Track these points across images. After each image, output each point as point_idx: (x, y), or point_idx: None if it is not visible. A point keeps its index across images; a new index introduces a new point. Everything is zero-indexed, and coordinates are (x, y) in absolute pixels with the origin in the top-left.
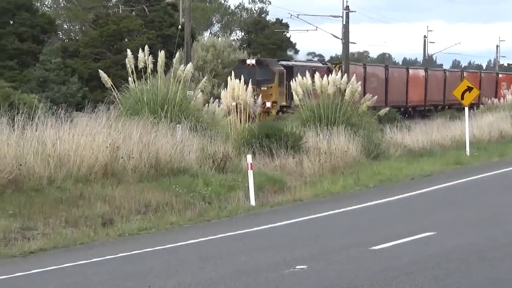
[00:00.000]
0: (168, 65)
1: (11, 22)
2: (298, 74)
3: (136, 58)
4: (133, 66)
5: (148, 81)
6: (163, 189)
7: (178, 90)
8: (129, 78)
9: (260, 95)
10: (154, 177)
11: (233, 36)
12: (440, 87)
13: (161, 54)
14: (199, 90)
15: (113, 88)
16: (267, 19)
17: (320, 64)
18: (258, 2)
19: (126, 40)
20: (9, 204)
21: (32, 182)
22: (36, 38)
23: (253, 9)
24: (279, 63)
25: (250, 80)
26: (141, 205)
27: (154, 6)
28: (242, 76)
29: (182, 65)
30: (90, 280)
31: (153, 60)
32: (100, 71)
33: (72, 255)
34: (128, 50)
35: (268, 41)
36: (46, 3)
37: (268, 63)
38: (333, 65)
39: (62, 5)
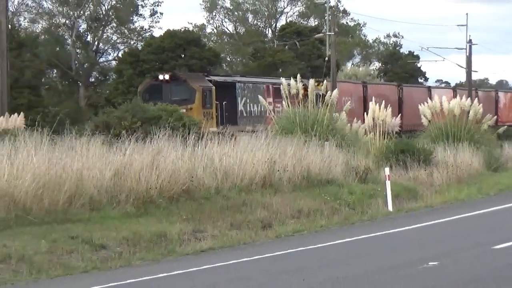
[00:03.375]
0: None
1: (183, 55)
2: (241, 92)
3: (289, 85)
4: (287, 92)
5: (300, 105)
6: (313, 197)
7: (325, 112)
8: (283, 102)
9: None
10: (305, 187)
11: (372, 66)
12: None
13: (311, 82)
14: (343, 112)
15: (270, 111)
16: (401, 51)
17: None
18: (393, 37)
19: (280, 70)
20: (183, 210)
21: (202, 191)
22: (204, 69)
23: (389, 43)
24: (207, 78)
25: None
26: (295, 211)
27: (304, 41)
28: (154, 96)
29: (329, 91)
30: (251, 275)
31: (303, 87)
32: (259, 96)
33: (236, 254)
34: (282, 79)
35: (402, 70)
36: (212, 39)
37: (186, 79)
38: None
39: (225, 40)
